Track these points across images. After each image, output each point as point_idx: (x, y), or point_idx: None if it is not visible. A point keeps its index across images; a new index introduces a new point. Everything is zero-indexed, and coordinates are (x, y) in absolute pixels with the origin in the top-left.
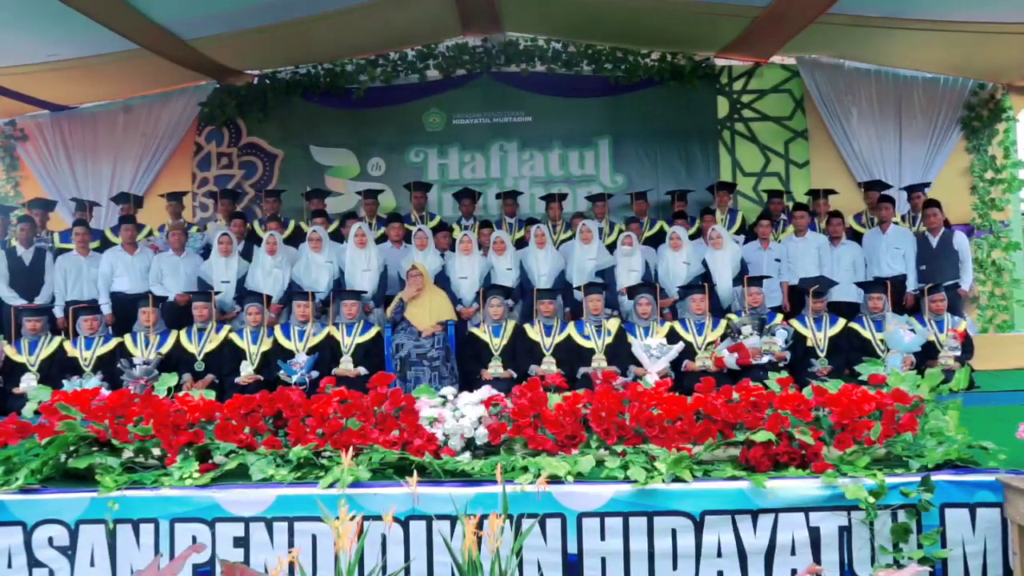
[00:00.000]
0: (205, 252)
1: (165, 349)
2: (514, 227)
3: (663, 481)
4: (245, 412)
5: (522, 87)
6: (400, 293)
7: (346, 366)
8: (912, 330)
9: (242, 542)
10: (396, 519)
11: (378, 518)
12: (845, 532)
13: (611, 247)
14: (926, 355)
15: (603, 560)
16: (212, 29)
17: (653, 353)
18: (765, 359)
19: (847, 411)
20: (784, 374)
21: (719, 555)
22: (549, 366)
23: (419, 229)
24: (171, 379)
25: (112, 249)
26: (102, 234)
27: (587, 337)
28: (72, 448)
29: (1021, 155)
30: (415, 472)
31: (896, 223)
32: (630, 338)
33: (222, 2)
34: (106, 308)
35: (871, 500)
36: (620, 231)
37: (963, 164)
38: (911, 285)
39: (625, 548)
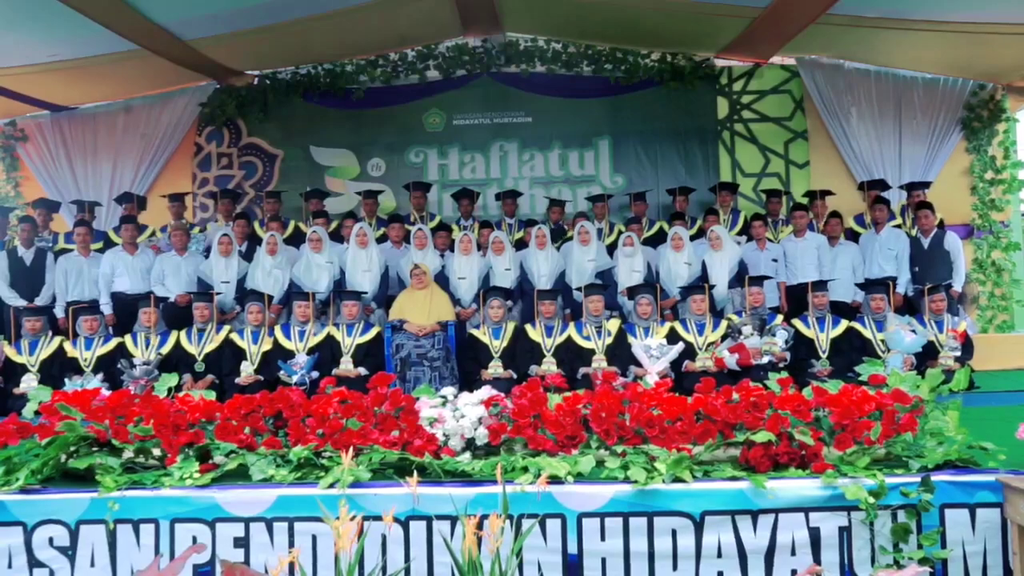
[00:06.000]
0: (208, 253)
1: (165, 349)
2: (513, 227)
3: (663, 481)
4: (245, 412)
5: (522, 87)
6: (406, 327)
7: (346, 366)
8: (913, 331)
9: (242, 542)
10: (396, 519)
11: (378, 518)
12: (845, 532)
13: (611, 248)
14: (926, 355)
15: (603, 560)
16: (212, 29)
17: (653, 353)
18: (765, 359)
19: (847, 411)
20: (784, 374)
21: (719, 555)
22: (549, 366)
23: (418, 229)
24: (171, 379)
25: (113, 249)
26: (104, 235)
27: (587, 338)
28: (72, 448)
29: (1021, 155)
30: (415, 472)
31: (897, 226)
32: (630, 338)
33: (222, 2)
34: (107, 308)
35: (871, 500)
36: (620, 232)
37: (963, 164)
38: (901, 287)
39: (625, 548)
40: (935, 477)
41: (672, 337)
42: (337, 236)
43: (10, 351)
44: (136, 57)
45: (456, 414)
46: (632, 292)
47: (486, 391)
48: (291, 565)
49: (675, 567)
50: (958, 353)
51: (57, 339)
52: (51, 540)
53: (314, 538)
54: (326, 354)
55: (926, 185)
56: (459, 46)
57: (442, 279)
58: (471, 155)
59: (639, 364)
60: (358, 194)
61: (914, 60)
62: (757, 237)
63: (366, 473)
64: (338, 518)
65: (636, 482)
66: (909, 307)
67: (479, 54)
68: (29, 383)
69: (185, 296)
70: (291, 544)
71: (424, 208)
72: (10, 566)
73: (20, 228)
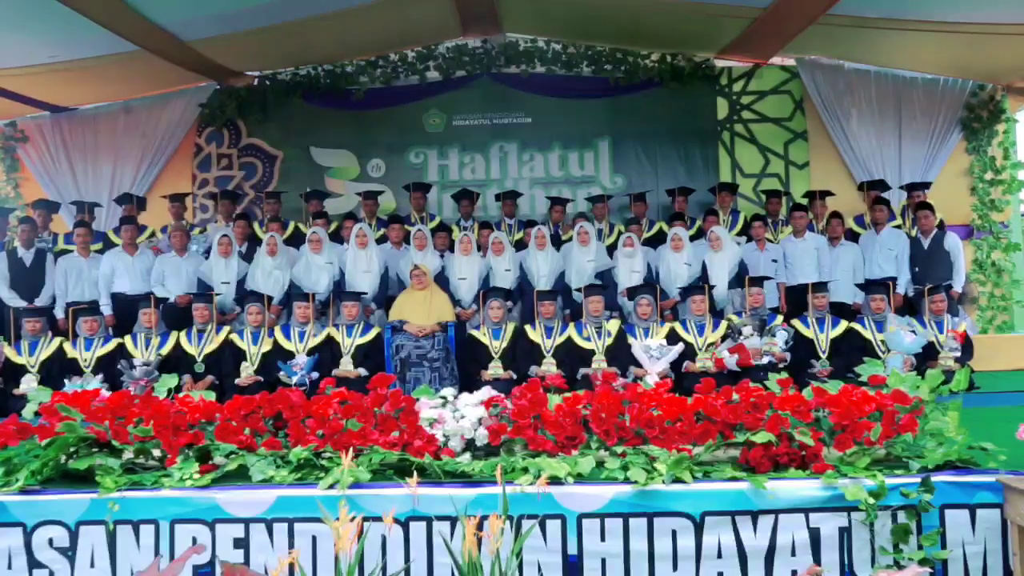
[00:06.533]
0: (208, 254)
1: (165, 350)
2: (513, 228)
3: (663, 482)
4: (245, 413)
5: (522, 88)
6: (406, 327)
7: (346, 367)
8: (913, 331)
9: (242, 543)
10: (396, 520)
11: (378, 519)
12: (845, 533)
13: (611, 248)
14: (926, 356)
15: (603, 561)
16: (212, 30)
17: (653, 354)
18: (765, 360)
19: (847, 412)
20: (784, 375)
21: (719, 556)
22: (549, 367)
23: (418, 229)
24: (171, 380)
25: (112, 250)
26: (104, 236)
27: (587, 338)
28: (72, 449)
29: (1021, 156)
30: (415, 473)
31: (896, 226)
32: (630, 339)
33: (222, 3)
34: (106, 309)
35: (871, 501)
36: (620, 232)
37: (963, 165)
38: (901, 287)
39: (625, 549)
40: (935, 478)
41: (672, 338)
42: (337, 237)
43: (10, 352)
44: (136, 58)
45: (456, 415)
46: (632, 293)
47: (486, 392)
48: (291, 566)
49: (675, 568)
50: (958, 354)
51: (57, 340)
52: (51, 541)
53: (314, 539)
54: (326, 355)
55: (926, 186)
56: (459, 47)
57: (442, 280)
58: (471, 156)
59: (639, 365)
60: (358, 195)
61: (914, 60)
62: (757, 238)
63: (366, 474)
64: (338, 519)
65: (636, 483)
66: (909, 307)
67: (479, 55)
68: (29, 384)
69: (185, 297)
70: (291, 545)
71: (424, 209)
72: (10, 567)
73: (20, 229)
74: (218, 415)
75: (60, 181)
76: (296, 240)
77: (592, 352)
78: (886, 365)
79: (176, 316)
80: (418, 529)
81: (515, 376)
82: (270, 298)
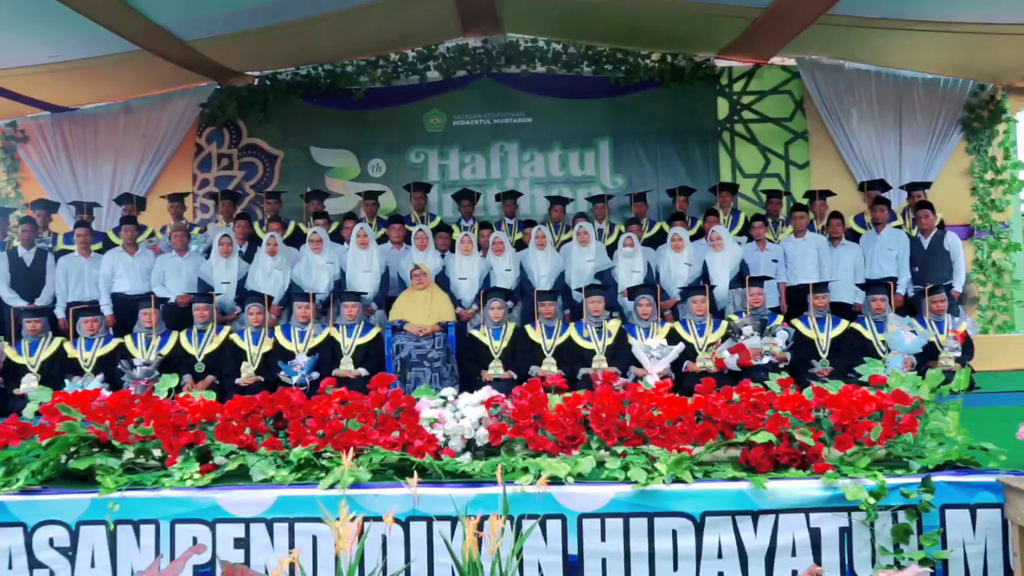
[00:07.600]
0: (208, 254)
1: (166, 350)
2: (513, 228)
3: (663, 482)
4: (246, 413)
5: (522, 88)
6: (407, 327)
7: (346, 367)
8: (913, 331)
9: (243, 543)
10: (396, 520)
11: (378, 519)
12: (845, 533)
13: (612, 248)
14: (927, 356)
15: (604, 561)
16: (212, 30)
17: (653, 354)
18: (766, 360)
19: (847, 412)
20: (785, 375)
21: (720, 556)
22: (549, 367)
23: (419, 229)
24: (172, 380)
25: (113, 250)
26: (104, 236)
27: (587, 338)
28: (73, 449)
29: (1021, 156)
30: (415, 473)
31: (897, 227)
32: (630, 339)
33: (222, 3)
34: (107, 309)
35: (871, 501)
36: (620, 232)
37: (963, 165)
38: (902, 287)
39: (626, 549)
40: (936, 478)
41: (672, 338)
42: (337, 237)
43: (10, 352)
44: (137, 58)
45: (456, 415)
46: (632, 293)
47: (486, 392)
48: (291, 566)
49: (675, 568)
50: (958, 354)
51: (57, 340)
52: (51, 541)
53: (314, 539)
54: (326, 355)
55: (926, 185)
56: (459, 47)
57: (443, 280)
58: (471, 156)
59: (639, 365)
60: (358, 195)
61: (914, 60)
62: (757, 238)
63: (366, 474)
64: (338, 519)
65: (636, 483)
66: (909, 307)
67: (479, 55)
68: (29, 384)
69: (185, 297)
70: (291, 545)
71: (424, 209)
72: (10, 567)
73: (20, 229)
74: (218, 415)
75: (60, 181)
76: (296, 240)
77: (592, 352)
78: (886, 365)
79: (176, 316)
80: (418, 529)
81: (515, 376)
82: (270, 298)
